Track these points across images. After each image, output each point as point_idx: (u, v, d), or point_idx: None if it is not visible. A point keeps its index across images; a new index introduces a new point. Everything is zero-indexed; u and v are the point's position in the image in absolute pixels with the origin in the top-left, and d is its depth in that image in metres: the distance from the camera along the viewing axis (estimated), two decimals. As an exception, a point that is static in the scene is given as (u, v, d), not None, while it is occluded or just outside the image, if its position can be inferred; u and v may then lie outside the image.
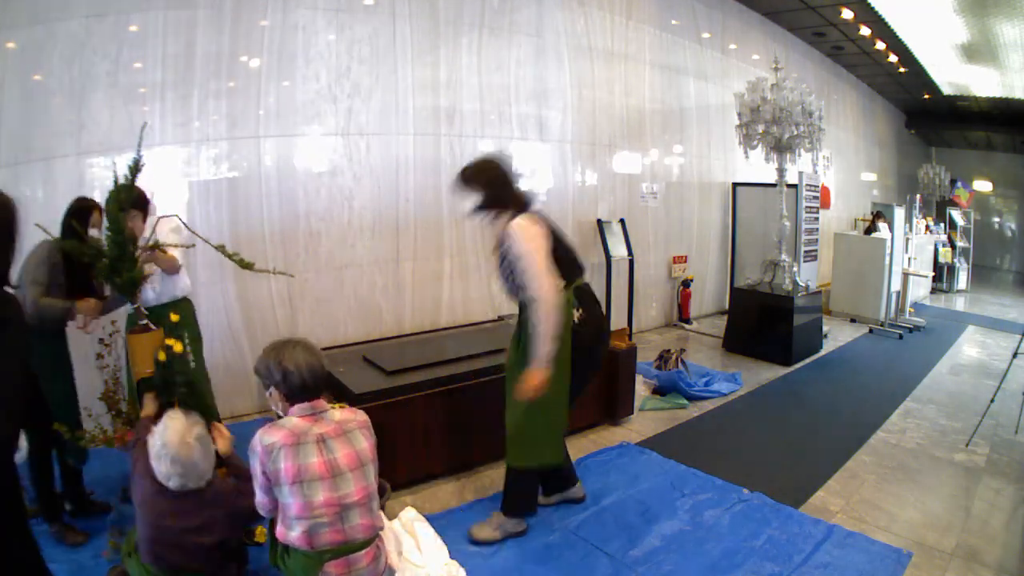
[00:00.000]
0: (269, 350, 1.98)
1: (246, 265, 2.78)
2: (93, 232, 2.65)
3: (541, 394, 2.39)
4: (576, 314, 2.49)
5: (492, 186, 2.52)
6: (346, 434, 1.95)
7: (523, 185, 2.60)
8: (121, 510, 2.75)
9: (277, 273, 2.95)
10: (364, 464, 1.95)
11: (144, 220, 2.91)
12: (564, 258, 2.51)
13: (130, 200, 2.65)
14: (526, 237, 2.37)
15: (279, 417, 1.99)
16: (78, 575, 2.39)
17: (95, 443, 2.50)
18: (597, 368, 2.76)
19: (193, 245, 2.96)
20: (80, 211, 2.72)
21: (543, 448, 2.61)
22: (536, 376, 2.35)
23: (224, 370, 3.72)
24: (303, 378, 1.92)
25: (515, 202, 2.51)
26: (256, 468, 1.88)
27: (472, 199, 2.54)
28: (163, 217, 2.96)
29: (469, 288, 5.12)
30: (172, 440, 1.88)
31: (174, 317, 2.81)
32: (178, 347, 2.51)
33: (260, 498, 1.92)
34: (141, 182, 2.71)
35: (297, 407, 1.96)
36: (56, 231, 2.72)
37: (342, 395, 3.16)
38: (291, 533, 1.87)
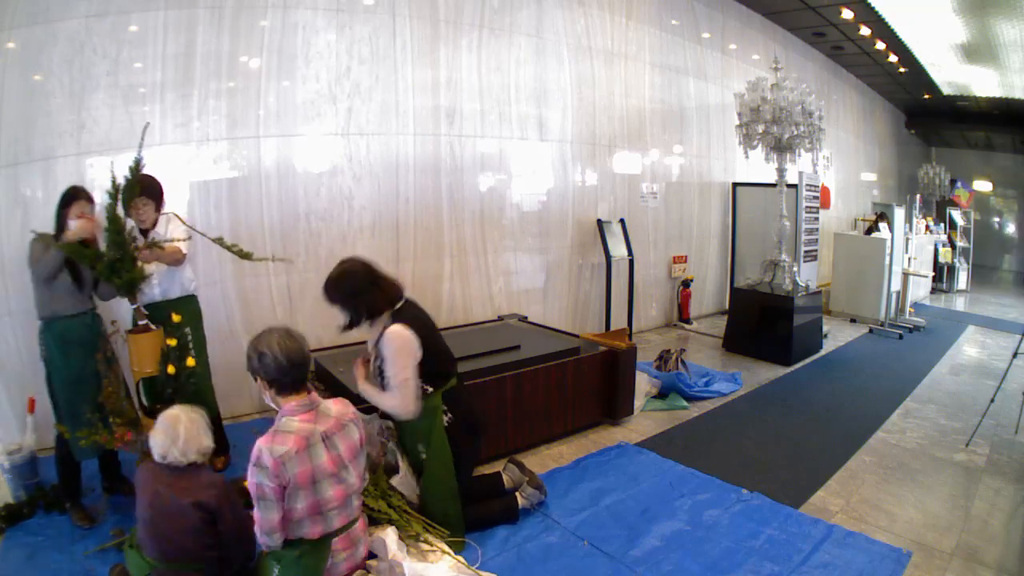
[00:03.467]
0: (252, 339, 2.03)
1: (245, 255, 2.80)
2: (72, 223, 2.62)
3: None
4: (445, 418, 2.61)
5: (355, 299, 2.58)
6: (343, 428, 2.05)
7: (386, 278, 2.68)
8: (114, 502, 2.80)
9: (276, 260, 2.97)
10: (358, 455, 2.09)
11: (158, 210, 2.92)
12: (436, 358, 2.60)
13: (135, 193, 2.68)
14: (398, 348, 2.46)
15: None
16: (76, 568, 2.39)
17: (95, 443, 2.51)
18: (477, 457, 2.90)
19: (190, 238, 2.97)
20: (65, 199, 2.71)
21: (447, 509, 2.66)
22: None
23: (224, 370, 3.72)
24: (278, 361, 1.92)
25: (384, 305, 2.59)
26: (262, 484, 1.86)
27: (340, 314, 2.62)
28: (162, 215, 2.98)
29: (469, 288, 5.12)
30: (167, 413, 2.03)
31: (176, 318, 2.82)
32: (176, 346, 2.53)
33: (268, 519, 1.88)
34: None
35: (293, 404, 1.98)
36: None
37: (342, 395, 3.16)
38: (301, 530, 1.94)
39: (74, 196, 2.69)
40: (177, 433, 1.99)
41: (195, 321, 3.13)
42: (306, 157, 4.22)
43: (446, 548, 2.43)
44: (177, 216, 3.02)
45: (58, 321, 2.66)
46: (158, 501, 1.95)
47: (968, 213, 11.33)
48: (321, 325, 4.35)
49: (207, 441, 2.06)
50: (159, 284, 2.98)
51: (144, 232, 2.90)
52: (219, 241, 2.83)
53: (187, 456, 1.99)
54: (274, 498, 1.87)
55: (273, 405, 2.03)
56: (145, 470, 2.05)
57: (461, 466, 2.65)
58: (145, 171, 2.76)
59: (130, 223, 2.77)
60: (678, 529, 2.80)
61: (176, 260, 2.90)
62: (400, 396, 2.47)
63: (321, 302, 4.31)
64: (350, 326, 2.62)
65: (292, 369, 1.95)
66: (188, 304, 3.10)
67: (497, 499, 2.83)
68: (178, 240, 2.85)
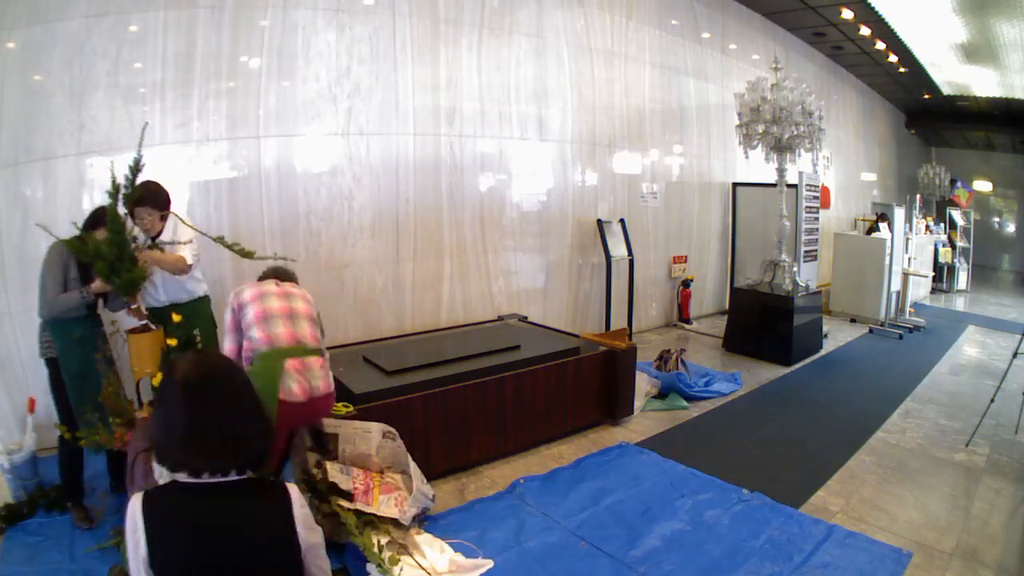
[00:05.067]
0: None
1: (246, 254, 2.80)
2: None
3: None
4: None
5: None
6: (291, 295, 2.63)
7: None
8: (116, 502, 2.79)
9: (277, 258, 2.97)
10: (313, 319, 2.64)
11: (163, 219, 2.90)
12: None
13: (135, 196, 2.68)
14: None
15: None
16: (76, 568, 2.39)
17: (95, 443, 2.50)
18: None
19: (191, 241, 2.96)
20: (93, 221, 2.73)
21: None
22: None
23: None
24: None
25: None
26: (225, 319, 2.56)
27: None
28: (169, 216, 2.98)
29: (469, 288, 5.12)
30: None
31: (176, 318, 2.82)
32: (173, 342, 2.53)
33: (225, 348, 2.53)
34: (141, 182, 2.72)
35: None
36: (57, 230, 2.72)
37: (342, 395, 3.16)
38: (255, 342, 2.42)
39: (101, 220, 2.67)
40: None
41: (206, 323, 3.12)
42: (306, 157, 4.22)
43: (444, 546, 2.44)
44: (179, 217, 3.01)
45: (62, 322, 2.67)
46: None
47: (968, 213, 11.34)
48: (321, 325, 4.35)
49: None
50: (165, 291, 2.96)
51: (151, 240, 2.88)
52: (220, 240, 2.83)
53: None
54: (230, 329, 2.51)
55: None
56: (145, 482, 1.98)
57: None
58: (146, 172, 2.75)
59: (129, 224, 2.76)
60: (679, 529, 2.80)
61: (179, 270, 2.88)
62: None
63: (320, 302, 4.34)
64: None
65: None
66: (198, 306, 3.10)
67: None
68: (184, 243, 2.84)
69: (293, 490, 1.28)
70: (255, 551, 1.22)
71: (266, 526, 1.25)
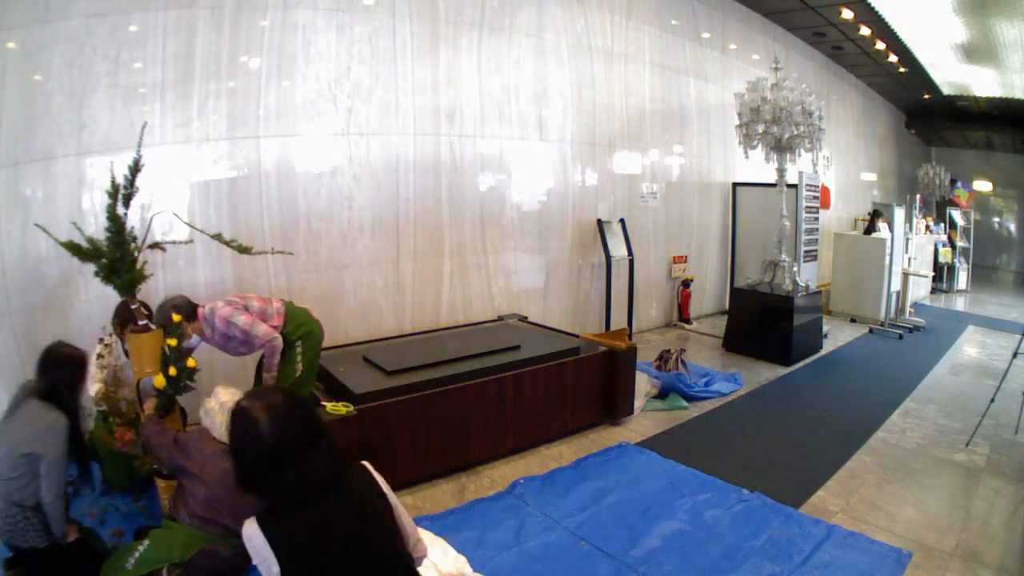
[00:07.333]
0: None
1: (244, 250, 2.80)
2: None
3: None
4: None
5: None
6: None
7: None
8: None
9: (275, 253, 2.96)
10: None
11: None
12: None
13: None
14: None
15: None
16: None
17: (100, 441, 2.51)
18: None
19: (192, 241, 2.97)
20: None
21: None
22: None
23: (224, 369, 3.72)
24: None
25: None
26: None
27: None
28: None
29: (469, 288, 5.12)
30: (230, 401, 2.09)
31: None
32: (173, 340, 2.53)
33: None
34: (141, 182, 2.72)
35: None
36: (56, 230, 2.72)
37: (342, 395, 3.17)
38: None
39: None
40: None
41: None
42: (306, 157, 4.22)
43: (447, 547, 2.43)
44: (175, 214, 3.02)
45: None
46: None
47: (968, 213, 11.33)
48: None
49: None
50: None
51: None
52: (218, 237, 2.84)
53: None
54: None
55: None
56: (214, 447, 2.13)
57: None
58: (145, 172, 2.76)
59: (128, 223, 2.73)
60: (679, 529, 2.80)
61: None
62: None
63: (320, 302, 4.36)
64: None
65: None
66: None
67: None
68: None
69: (366, 464, 1.52)
70: (368, 521, 1.41)
71: (366, 493, 1.45)
